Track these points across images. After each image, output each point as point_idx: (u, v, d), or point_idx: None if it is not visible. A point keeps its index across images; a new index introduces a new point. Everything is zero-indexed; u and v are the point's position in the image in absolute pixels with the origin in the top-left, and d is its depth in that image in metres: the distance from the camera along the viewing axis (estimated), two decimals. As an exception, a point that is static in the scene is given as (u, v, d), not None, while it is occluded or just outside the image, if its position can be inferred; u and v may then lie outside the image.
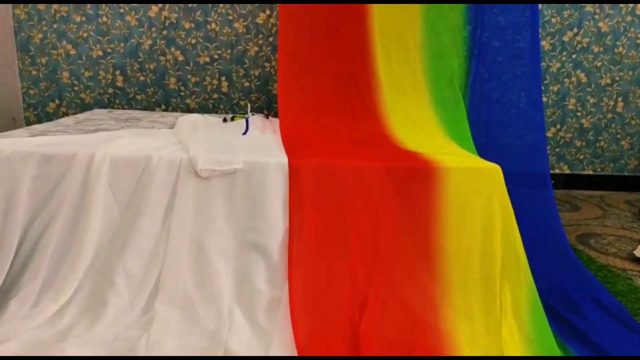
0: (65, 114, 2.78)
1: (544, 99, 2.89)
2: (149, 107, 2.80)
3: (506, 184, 1.38)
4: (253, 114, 2.01)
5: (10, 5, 2.63)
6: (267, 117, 2.01)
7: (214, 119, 1.97)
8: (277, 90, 1.85)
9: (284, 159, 1.36)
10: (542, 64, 2.84)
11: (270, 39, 2.75)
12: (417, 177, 1.36)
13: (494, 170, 1.37)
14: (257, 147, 1.48)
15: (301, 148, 1.47)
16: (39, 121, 2.79)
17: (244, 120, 1.86)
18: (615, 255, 1.99)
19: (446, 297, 1.28)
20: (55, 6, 2.65)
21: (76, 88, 2.76)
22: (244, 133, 1.70)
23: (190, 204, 1.31)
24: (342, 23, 2.09)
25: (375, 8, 2.09)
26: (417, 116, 1.91)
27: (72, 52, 2.72)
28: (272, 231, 1.30)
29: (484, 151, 2.10)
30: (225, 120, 1.99)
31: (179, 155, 1.34)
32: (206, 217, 1.31)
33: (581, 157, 2.98)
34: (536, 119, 2.23)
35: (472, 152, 1.90)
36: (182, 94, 2.80)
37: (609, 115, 2.94)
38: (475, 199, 1.34)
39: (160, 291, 1.25)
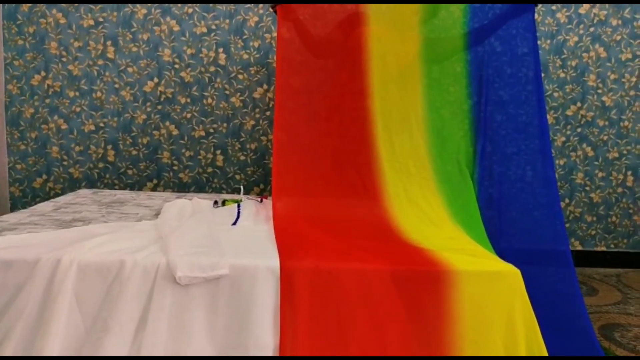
0: (51, 190, 2.66)
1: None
2: (140, 182, 2.69)
3: (518, 263, 1.22)
4: (246, 198, 1.89)
5: (2, 81, 2.59)
6: (261, 201, 1.88)
7: (205, 203, 1.84)
8: (272, 167, 1.74)
9: (275, 262, 1.21)
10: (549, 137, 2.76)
11: (267, 113, 2.69)
12: (425, 282, 1.20)
13: (514, 275, 1.22)
14: (246, 245, 1.34)
15: (295, 244, 1.33)
16: (24, 197, 2.67)
17: (235, 205, 1.73)
18: (645, 354, 1.79)
19: None
20: (48, 81, 2.61)
21: (65, 163, 2.67)
22: (234, 223, 1.56)
23: (166, 317, 1.15)
24: (341, 101, 2.01)
25: (375, 86, 2.02)
26: (422, 199, 1.78)
27: (64, 126, 2.65)
28: (260, 350, 1.13)
29: (494, 227, 1.97)
30: (216, 203, 1.86)
31: (156, 260, 1.19)
32: (184, 332, 1.14)
33: (593, 232, 2.83)
34: (543, 193, 2.10)
35: (482, 238, 1.75)
36: (175, 168, 2.69)
37: (619, 190, 2.82)
38: (494, 309, 1.18)
39: None
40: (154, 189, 2.68)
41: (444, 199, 1.90)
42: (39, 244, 1.23)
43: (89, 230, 1.40)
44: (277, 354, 1.12)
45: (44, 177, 2.67)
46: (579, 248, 2.83)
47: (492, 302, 1.18)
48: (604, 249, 2.84)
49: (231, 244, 1.32)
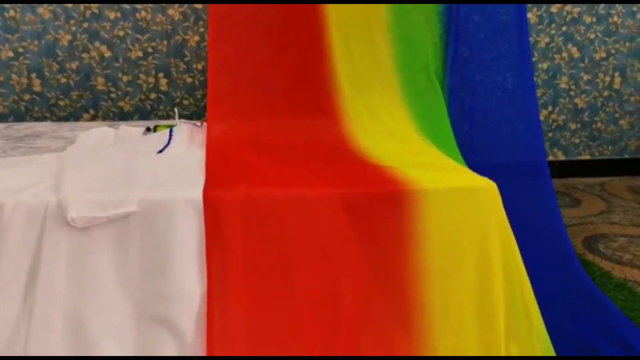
0: (-27, 129, 2.33)
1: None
2: (75, 113, 2.37)
3: (496, 178, 1.02)
4: (182, 122, 1.61)
5: None
6: (201, 125, 1.61)
7: (134, 130, 1.56)
8: (208, 84, 1.46)
9: (198, 193, 0.97)
10: (529, 39, 2.48)
11: (213, 26, 2.33)
12: (384, 206, 0.99)
13: (489, 189, 1.00)
14: (169, 175, 1.09)
15: (226, 171, 1.09)
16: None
17: (167, 131, 1.46)
18: (632, 264, 1.66)
19: (432, 373, 0.92)
20: (-53, -1, 2.19)
21: (-16, 96, 2.32)
22: (161, 151, 1.30)
23: (62, 267, 0.92)
24: (288, 8, 1.68)
25: None
26: (386, 114, 1.53)
27: (-25, 54, 2.27)
28: (184, 299, 0.92)
29: (468, 141, 1.77)
30: (148, 130, 1.58)
31: (45, 198, 0.94)
32: (88, 284, 0.92)
33: (577, 141, 2.65)
34: (527, 100, 1.89)
35: (454, 152, 1.54)
36: (112, 95, 2.37)
37: (605, 93, 2.60)
38: (466, 232, 0.97)
39: (23, 400, 0.87)
40: (92, 121, 2.37)
41: (411, 114, 1.66)
42: None
43: (-28, 168, 1.13)
44: (204, 304, 0.92)
45: (-37, 114, 2.33)
46: (562, 158, 2.65)
47: (464, 223, 0.98)
48: (588, 157, 2.67)
49: (147, 175, 1.07)
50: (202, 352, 0.90)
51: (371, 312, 0.94)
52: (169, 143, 1.37)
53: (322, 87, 1.60)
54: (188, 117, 2.29)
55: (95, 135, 1.43)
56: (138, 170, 1.09)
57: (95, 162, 1.14)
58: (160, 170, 1.12)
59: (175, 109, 1.71)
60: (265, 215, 0.97)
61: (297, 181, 1.04)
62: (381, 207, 0.98)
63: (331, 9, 1.66)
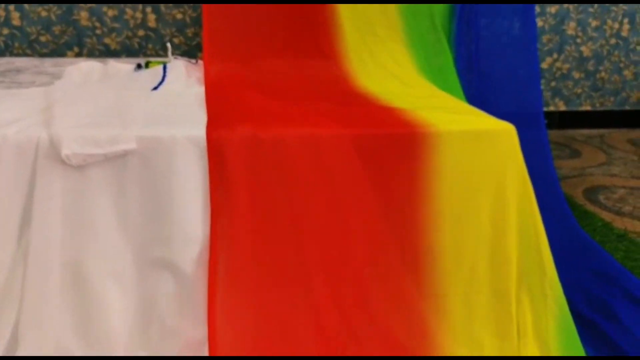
0: (-52, 64, 2.18)
1: (540, 24, 2.44)
2: (58, 50, 2.22)
3: None
4: (175, 58, 1.51)
5: None
6: (197, 62, 1.51)
7: (123, 67, 1.46)
8: (203, 19, 1.37)
9: (200, 131, 0.91)
10: (540, -21, 2.36)
11: (205, -44, 2.16)
12: (398, 147, 0.94)
13: (508, 133, 0.95)
14: (167, 112, 1.02)
15: (230, 110, 1.02)
16: None
17: (160, 67, 1.36)
18: (632, 215, 1.66)
19: (442, 319, 0.90)
20: None
21: (-43, 29, 2.16)
22: (156, 88, 1.22)
23: (59, 208, 0.86)
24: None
25: None
26: (391, 62, 1.46)
27: (-55, -20, 2.08)
28: (185, 242, 0.88)
29: (474, 90, 1.72)
30: (139, 66, 1.48)
31: (35, 134, 0.87)
32: (85, 226, 0.87)
33: (579, 91, 2.59)
34: (530, 48, 1.82)
35: (460, 98, 1.49)
36: (97, 32, 2.22)
37: (612, 41, 2.52)
38: (482, 177, 0.93)
39: (20, 343, 0.83)
40: (76, 58, 2.24)
41: (416, 63, 1.59)
42: None
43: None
44: (207, 247, 0.87)
45: None
46: (563, 108, 2.60)
47: (481, 167, 0.93)
48: (589, 108, 2.62)
49: (146, 111, 1.00)
50: (203, 296, 0.87)
51: (381, 256, 0.91)
52: (163, 79, 1.28)
53: (323, 28, 1.52)
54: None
55: (83, 70, 1.34)
56: (132, 107, 1.02)
57: (85, 98, 1.06)
58: (157, 107, 1.05)
59: (168, 44, 1.60)
60: (272, 155, 0.91)
61: (304, 120, 0.98)
62: (394, 150, 0.93)
63: None
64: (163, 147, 0.89)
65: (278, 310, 0.88)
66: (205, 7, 1.43)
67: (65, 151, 0.84)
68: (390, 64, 1.52)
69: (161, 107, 1.05)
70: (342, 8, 1.54)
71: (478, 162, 0.94)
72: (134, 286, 0.89)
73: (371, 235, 0.92)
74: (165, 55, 2.25)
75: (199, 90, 1.19)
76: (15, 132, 0.87)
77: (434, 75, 1.58)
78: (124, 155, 0.88)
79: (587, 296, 1.13)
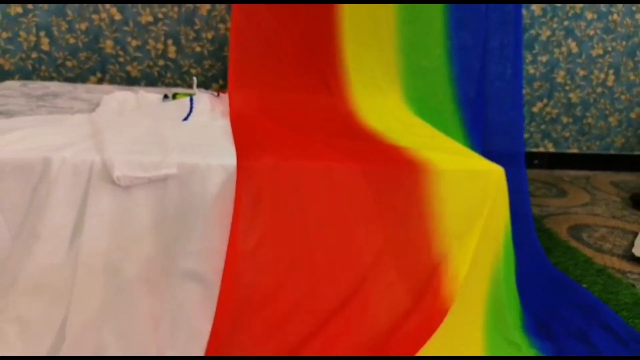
0: (-21, 83, 2.33)
1: (532, 71, 2.63)
2: (82, 75, 2.38)
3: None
4: (200, 91, 1.66)
5: None
6: (218, 95, 1.66)
7: (152, 97, 1.61)
8: (229, 54, 1.52)
9: (231, 160, 1.04)
10: (532, 31, 2.56)
11: (225, -4, 2.35)
12: (403, 181, 1.08)
13: (497, 173, 1.10)
14: (199, 142, 1.16)
15: (254, 141, 1.16)
16: (-52, 91, 2.33)
17: (187, 99, 1.51)
18: (611, 252, 1.79)
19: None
20: (-44, -51, 2.15)
21: (-9, 52, 2.31)
22: (185, 118, 1.36)
23: (106, 222, 0.99)
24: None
25: None
26: (387, 98, 1.63)
27: (-17, 7, 2.25)
28: (213, 255, 1.00)
29: (467, 127, 1.88)
30: (166, 97, 1.63)
31: (89, 157, 1.00)
32: (127, 238, 1.00)
33: (567, 134, 2.77)
34: (519, 92, 2.01)
35: (456, 136, 1.66)
36: (121, 59, 2.38)
37: (599, 90, 2.71)
38: (474, 205, 1.08)
39: (66, 340, 0.95)
40: (99, 83, 2.39)
41: (414, 107, 1.75)
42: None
43: (9, 123, 1.17)
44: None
45: (-32, 68, 2.32)
46: (552, 150, 2.78)
47: (474, 198, 1.07)
48: (576, 151, 2.80)
49: (181, 141, 1.14)
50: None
51: (384, 268, 1.04)
52: (191, 111, 1.43)
53: (332, 71, 1.69)
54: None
55: (117, 100, 1.48)
56: (169, 136, 1.15)
57: (127, 126, 1.20)
58: (190, 136, 1.19)
59: (194, 78, 1.75)
60: (292, 182, 1.04)
61: (320, 153, 1.12)
62: (399, 182, 1.07)
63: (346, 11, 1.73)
64: (198, 173, 1.02)
65: (287, 316, 1.00)
66: (233, 41, 1.58)
67: (117, 173, 0.97)
68: (391, 108, 1.68)
69: (193, 137, 1.19)
70: (350, 56, 1.71)
71: (471, 194, 1.08)
72: (165, 292, 1.00)
73: (379, 254, 1.05)
74: (183, 84, 2.43)
75: (224, 123, 1.33)
76: (72, 155, 1.00)
77: (431, 116, 1.73)
78: (165, 178, 1.01)
79: (564, 324, 1.25)
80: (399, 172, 1.07)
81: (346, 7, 1.73)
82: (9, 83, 1.85)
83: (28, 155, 0.98)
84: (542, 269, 1.51)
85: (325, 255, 1.05)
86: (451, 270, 1.02)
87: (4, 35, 2.29)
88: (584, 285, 1.50)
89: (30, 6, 2.26)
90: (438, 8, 1.87)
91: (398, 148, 1.20)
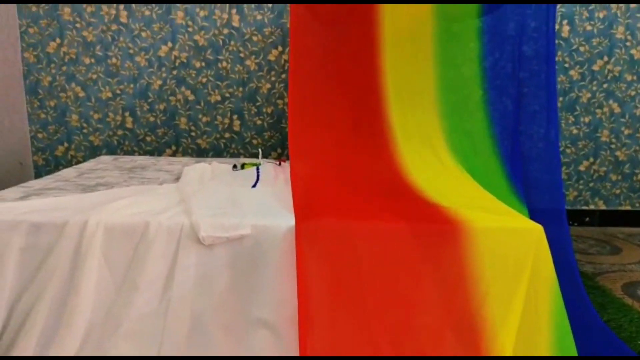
0: (73, 157, 2.70)
1: (575, 131, 2.71)
2: (159, 148, 2.71)
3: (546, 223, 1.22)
4: (265, 161, 1.89)
5: (19, 49, 2.60)
6: (280, 164, 1.88)
7: (224, 167, 1.85)
8: (288, 127, 1.74)
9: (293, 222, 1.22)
10: (572, 94, 2.68)
11: (283, 76, 2.65)
12: (445, 239, 1.20)
13: (536, 231, 1.20)
14: (267, 205, 1.34)
15: (312, 204, 1.33)
16: (47, 165, 2.72)
17: (254, 168, 1.74)
18: (668, 310, 1.78)
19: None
20: (64, 48, 2.60)
21: (85, 131, 2.69)
22: (254, 185, 1.57)
23: (192, 275, 1.17)
24: (354, 66, 1.97)
25: (387, 60, 1.96)
26: (435, 160, 1.77)
27: (81, 94, 2.66)
28: (281, 305, 1.15)
29: (513, 186, 1.97)
30: (235, 167, 1.87)
31: (180, 221, 1.21)
32: (208, 289, 1.17)
33: (617, 191, 2.78)
34: (558, 151, 2.08)
35: (505, 195, 1.75)
36: (192, 134, 2.70)
37: (646, 147, 2.74)
38: (516, 265, 1.17)
39: (158, 379, 1.11)
40: (172, 155, 2.71)
41: (458, 160, 1.88)
42: (66, 207, 1.26)
43: (113, 193, 1.42)
44: (296, 310, 1.14)
45: (65, 145, 2.71)
46: (603, 207, 2.78)
47: (515, 258, 1.17)
48: (628, 208, 2.78)
49: (252, 205, 1.33)
50: (295, 350, 1.12)
51: (432, 325, 1.15)
52: (258, 179, 1.64)
53: (382, 139, 1.86)
54: (257, 156, 2.58)
55: (197, 171, 1.72)
56: (243, 201, 1.36)
57: (208, 193, 1.41)
58: (258, 201, 1.38)
59: (260, 150, 1.99)
60: (347, 241, 1.20)
61: (371, 214, 1.28)
62: (442, 240, 1.20)
63: (389, 77, 1.94)
64: (269, 233, 1.20)
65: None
66: (291, 115, 1.80)
67: (202, 234, 1.16)
68: (437, 165, 1.81)
69: (262, 201, 1.38)
70: (396, 120, 1.89)
71: (512, 253, 1.18)
72: (238, 338, 1.16)
73: (428, 312, 1.16)
74: (246, 154, 2.69)
75: (285, 189, 1.52)
76: (166, 219, 1.21)
77: (478, 172, 1.84)
78: (241, 237, 1.19)
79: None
80: (441, 232, 1.20)
81: (389, 78, 1.95)
82: (102, 158, 2.17)
83: (132, 219, 1.20)
84: (592, 326, 1.53)
85: (378, 307, 1.17)
86: (495, 332, 1.12)
87: (96, 116, 2.68)
88: None
89: (118, 91, 2.65)
90: (476, 80, 2.05)
91: (439, 207, 1.33)
